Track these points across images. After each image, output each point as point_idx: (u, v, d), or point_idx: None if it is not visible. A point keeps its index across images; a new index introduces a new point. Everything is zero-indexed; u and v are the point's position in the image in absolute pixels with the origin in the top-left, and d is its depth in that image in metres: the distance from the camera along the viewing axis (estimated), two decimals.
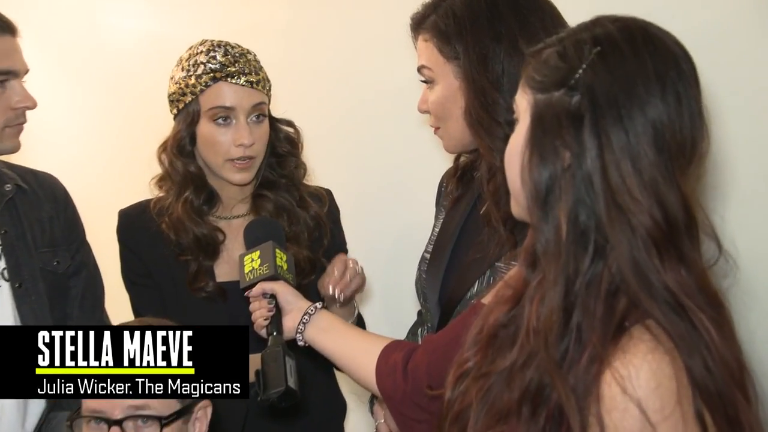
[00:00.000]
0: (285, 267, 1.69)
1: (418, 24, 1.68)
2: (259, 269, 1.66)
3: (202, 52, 1.92)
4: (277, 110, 2.03)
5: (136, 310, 2.01)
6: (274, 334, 1.62)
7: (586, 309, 1.05)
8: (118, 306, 2.11)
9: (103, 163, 2.83)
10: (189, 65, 1.92)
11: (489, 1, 1.59)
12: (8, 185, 1.92)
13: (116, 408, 1.48)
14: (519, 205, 1.17)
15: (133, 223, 2.00)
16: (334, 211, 2.08)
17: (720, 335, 1.04)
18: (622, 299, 1.05)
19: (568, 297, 1.07)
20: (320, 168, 2.11)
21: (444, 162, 2.01)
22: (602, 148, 1.04)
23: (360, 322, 1.97)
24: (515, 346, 1.14)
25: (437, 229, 1.83)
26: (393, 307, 2.36)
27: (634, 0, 1.80)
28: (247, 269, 1.68)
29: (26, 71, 1.87)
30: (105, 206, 2.28)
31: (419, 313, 1.98)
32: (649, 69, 1.05)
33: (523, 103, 1.14)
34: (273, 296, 1.65)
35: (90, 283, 2.03)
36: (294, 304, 1.64)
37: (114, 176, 2.79)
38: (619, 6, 1.79)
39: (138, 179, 2.08)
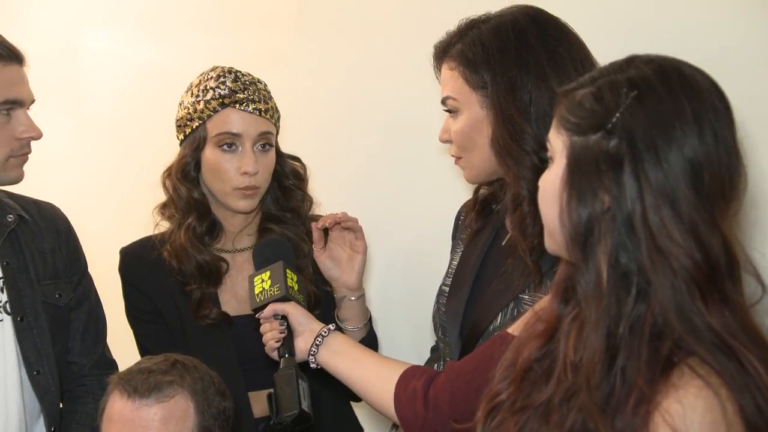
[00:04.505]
0: (296, 288, 1.74)
1: (443, 52, 1.73)
2: (270, 290, 1.71)
3: (212, 78, 1.99)
4: (280, 138, 2.09)
5: (143, 347, 2.06)
6: (286, 356, 1.67)
7: (631, 352, 1.10)
8: (121, 339, 2.16)
9: (99, 193, 2.89)
10: (198, 91, 1.99)
11: (517, 31, 1.64)
12: (10, 216, 1.96)
13: None
14: (554, 242, 1.23)
15: (136, 260, 2.05)
16: None
17: None
18: (666, 341, 1.10)
19: (611, 339, 1.12)
20: (326, 196, 2.16)
21: (458, 192, 2.07)
22: (642, 191, 1.10)
23: (371, 334, 2.01)
24: (551, 380, 1.20)
25: (455, 262, 1.88)
26: (403, 341, 2.40)
27: (653, 30, 1.92)
28: (257, 290, 1.73)
29: (32, 101, 1.92)
30: (104, 237, 2.34)
31: (433, 349, 2.03)
32: (686, 111, 1.11)
33: (558, 143, 1.20)
34: (284, 317, 1.70)
35: (92, 316, 2.09)
36: (306, 325, 1.69)
37: (111, 206, 2.84)
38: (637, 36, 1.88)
39: (137, 208, 2.13)
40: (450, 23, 1.75)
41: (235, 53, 2.38)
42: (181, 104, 2.03)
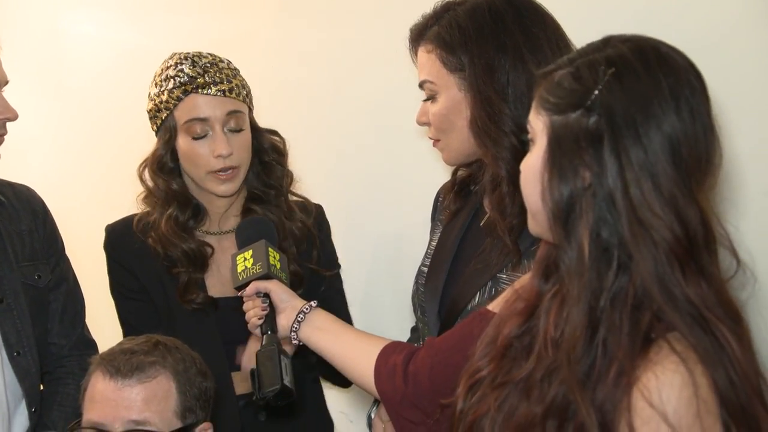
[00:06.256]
0: (278, 266, 1.74)
1: (420, 35, 1.72)
2: (252, 268, 1.71)
3: (171, 66, 1.97)
4: (264, 122, 2.07)
5: (127, 323, 2.04)
6: (269, 333, 1.67)
7: (612, 324, 1.11)
8: (99, 320, 2.15)
9: (78, 175, 2.85)
10: (161, 81, 1.97)
11: (493, 13, 1.64)
12: None
13: (116, 421, 1.55)
14: (537, 224, 1.23)
15: (121, 238, 2.04)
16: (324, 227, 2.14)
17: (741, 348, 1.10)
18: (646, 313, 1.11)
19: (592, 313, 1.13)
20: (309, 180, 2.15)
21: (437, 174, 2.07)
22: (622, 166, 1.11)
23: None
24: (531, 357, 1.20)
25: (434, 243, 1.88)
26: (381, 322, 2.41)
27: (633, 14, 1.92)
28: (239, 269, 1.73)
29: (6, 82, 1.90)
30: (85, 219, 2.32)
31: (413, 330, 2.03)
32: (663, 87, 1.12)
33: (538, 124, 1.20)
34: (267, 295, 1.70)
35: (70, 297, 2.07)
36: (288, 302, 1.69)
37: (91, 188, 2.82)
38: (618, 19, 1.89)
39: (116, 190, 2.13)
40: (429, 7, 1.73)
41: (215, 35, 2.36)
42: (149, 96, 2.01)
